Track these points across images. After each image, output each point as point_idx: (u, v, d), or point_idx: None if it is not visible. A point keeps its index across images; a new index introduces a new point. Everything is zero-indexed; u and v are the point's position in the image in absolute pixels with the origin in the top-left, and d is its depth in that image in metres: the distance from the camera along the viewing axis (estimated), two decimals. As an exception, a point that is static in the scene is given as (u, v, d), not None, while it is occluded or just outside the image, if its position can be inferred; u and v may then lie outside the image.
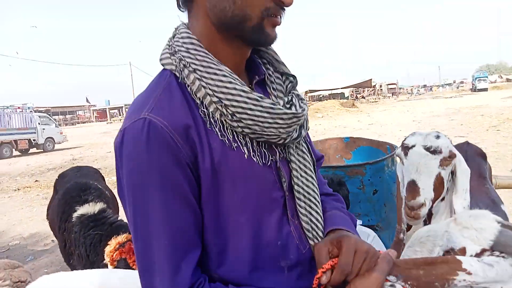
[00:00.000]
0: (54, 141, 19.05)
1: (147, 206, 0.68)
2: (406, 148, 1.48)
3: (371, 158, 2.94)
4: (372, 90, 51.04)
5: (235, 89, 0.69)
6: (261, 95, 0.73)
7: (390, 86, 63.83)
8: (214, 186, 0.71)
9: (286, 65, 0.86)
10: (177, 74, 0.72)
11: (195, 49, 0.72)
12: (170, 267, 0.67)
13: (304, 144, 0.85)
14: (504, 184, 2.33)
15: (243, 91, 0.70)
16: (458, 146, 2.26)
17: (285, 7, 0.71)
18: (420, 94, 60.78)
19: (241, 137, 0.72)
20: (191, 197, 0.70)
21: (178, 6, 0.77)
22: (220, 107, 0.69)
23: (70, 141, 20.25)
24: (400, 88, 70.24)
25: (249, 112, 0.69)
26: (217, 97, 0.69)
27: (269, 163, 0.76)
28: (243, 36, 0.72)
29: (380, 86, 58.38)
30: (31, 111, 19.70)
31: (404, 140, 1.52)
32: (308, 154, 0.85)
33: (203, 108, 0.71)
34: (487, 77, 49.37)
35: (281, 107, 0.73)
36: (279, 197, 0.80)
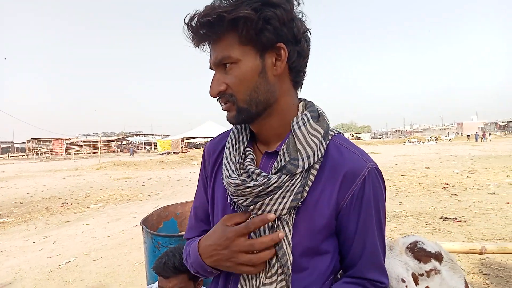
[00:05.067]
0: None
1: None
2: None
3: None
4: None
5: (228, 149, 0.99)
6: (237, 165, 0.95)
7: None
8: (212, 189, 1.06)
9: (306, 150, 0.89)
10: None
11: None
12: (188, 223, 1.17)
13: (284, 228, 0.87)
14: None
15: (230, 153, 0.98)
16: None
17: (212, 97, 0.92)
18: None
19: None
20: (204, 188, 1.11)
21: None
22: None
23: None
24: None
25: (225, 168, 0.96)
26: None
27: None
28: None
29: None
30: None
31: None
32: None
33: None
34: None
35: (237, 176, 0.90)
36: None
